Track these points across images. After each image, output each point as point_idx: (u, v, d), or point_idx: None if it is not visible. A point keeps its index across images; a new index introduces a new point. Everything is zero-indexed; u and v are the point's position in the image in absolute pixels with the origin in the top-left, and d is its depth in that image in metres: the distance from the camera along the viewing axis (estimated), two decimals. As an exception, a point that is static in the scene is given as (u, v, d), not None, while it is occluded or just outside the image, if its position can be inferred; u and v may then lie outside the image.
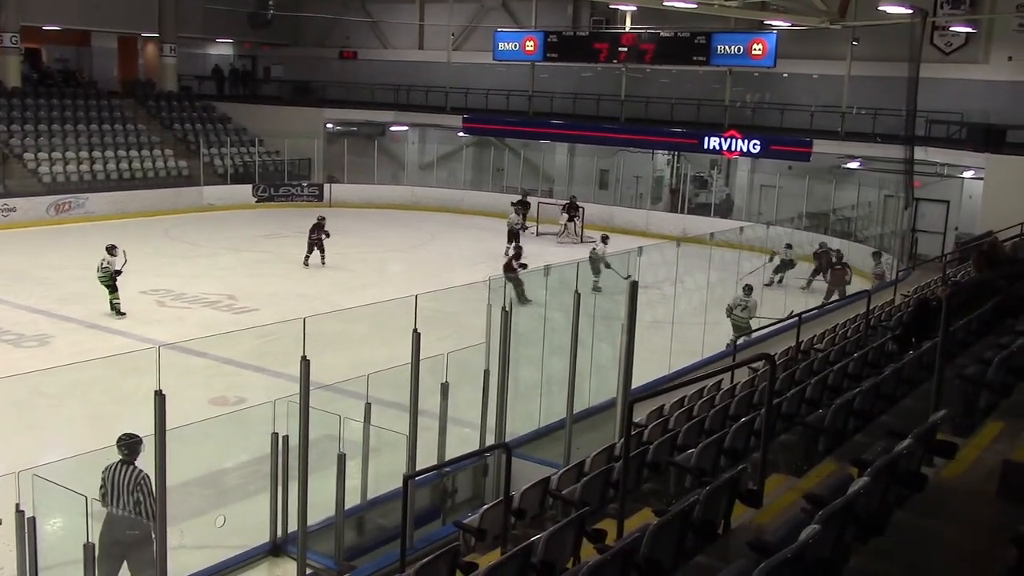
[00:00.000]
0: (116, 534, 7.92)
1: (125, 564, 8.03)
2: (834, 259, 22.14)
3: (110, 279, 18.73)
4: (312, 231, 24.20)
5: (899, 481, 5.28)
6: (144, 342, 16.15)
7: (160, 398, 7.06)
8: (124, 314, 18.71)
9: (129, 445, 7.98)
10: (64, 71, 39.04)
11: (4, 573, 7.90)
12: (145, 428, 7.91)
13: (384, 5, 40.68)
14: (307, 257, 24.06)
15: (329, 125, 37.55)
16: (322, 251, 24.06)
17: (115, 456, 8.05)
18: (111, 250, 18.97)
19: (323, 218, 24.62)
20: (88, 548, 7.32)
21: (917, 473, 5.49)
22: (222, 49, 45.19)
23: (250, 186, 34.25)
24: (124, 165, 32.71)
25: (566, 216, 29.31)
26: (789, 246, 23.38)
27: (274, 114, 37.56)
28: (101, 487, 8.01)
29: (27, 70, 36.11)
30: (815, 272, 22.99)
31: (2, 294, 19.92)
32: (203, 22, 39.70)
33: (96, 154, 32.36)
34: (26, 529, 7.26)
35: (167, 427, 7.42)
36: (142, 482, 7.88)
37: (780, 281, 22.82)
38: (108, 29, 38.78)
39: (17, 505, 7.24)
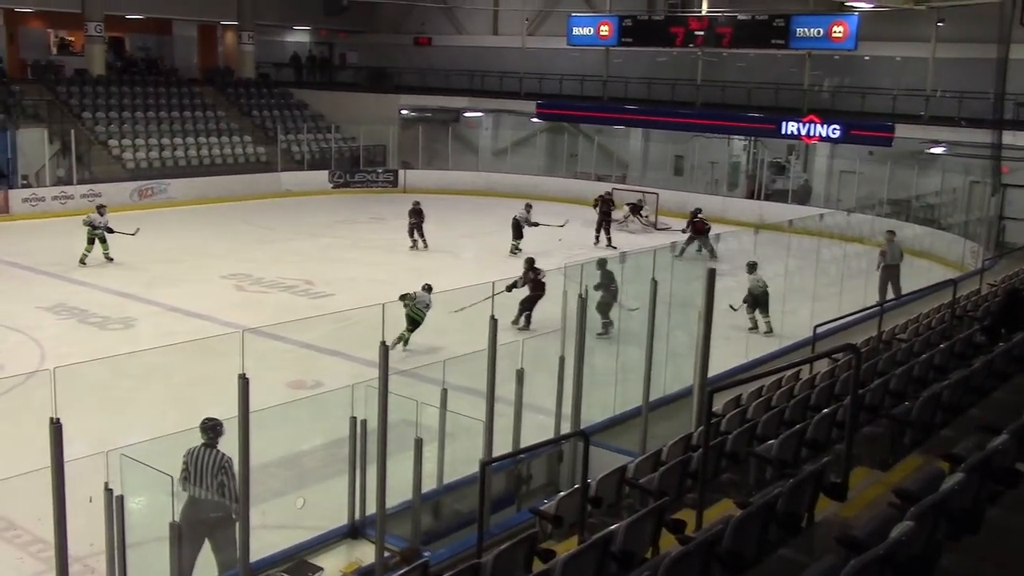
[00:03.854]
0: (199, 515, 8.09)
1: (207, 544, 8.20)
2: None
3: (91, 232, 21.39)
4: (410, 215, 24.66)
5: (993, 478, 5.13)
6: (224, 326, 16.45)
7: (244, 381, 7.16)
8: (84, 264, 21.34)
9: (212, 428, 8.16)
10: (146, 59, 39.96)
11: (93, 549, 8.11)
12: (225, 411, 8.06)
13: (459, -10, 40.81)
14: (414, 243, 24.54)
15: (404, 111, 37.77)
16: (421, 235, 24.54)
17: (197, 438, 8.22)
18: (99, 209, 21.96)
19: (418, 202, 25.08)
20: (173, 527, 7.49)
21: (1012, 469, 5.33)
22: (299, 36, 45.74)
23: (326, 172, 34.64)
24: (204, 151, 33.36)
25: (627, 208, 28.55)
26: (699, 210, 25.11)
27: (350, 100, 37.91)
28: (183, 470, 8.17)
29: (111, 58, 37.03)
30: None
31: (89, 278, 20.47)
32: (281, 10, 40.25)
33: (177, 140, 33.06)
34: (114, 507, 7.44)
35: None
36: (225, 465, 8.05)
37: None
38: (189, 18, 39.57)
39: (106, 484, 7.42)
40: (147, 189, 30.15)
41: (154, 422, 11.56)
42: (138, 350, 13.39)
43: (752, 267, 17.10)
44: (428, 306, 15.70)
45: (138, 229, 21.97)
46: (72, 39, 38.47)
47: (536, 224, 24.59)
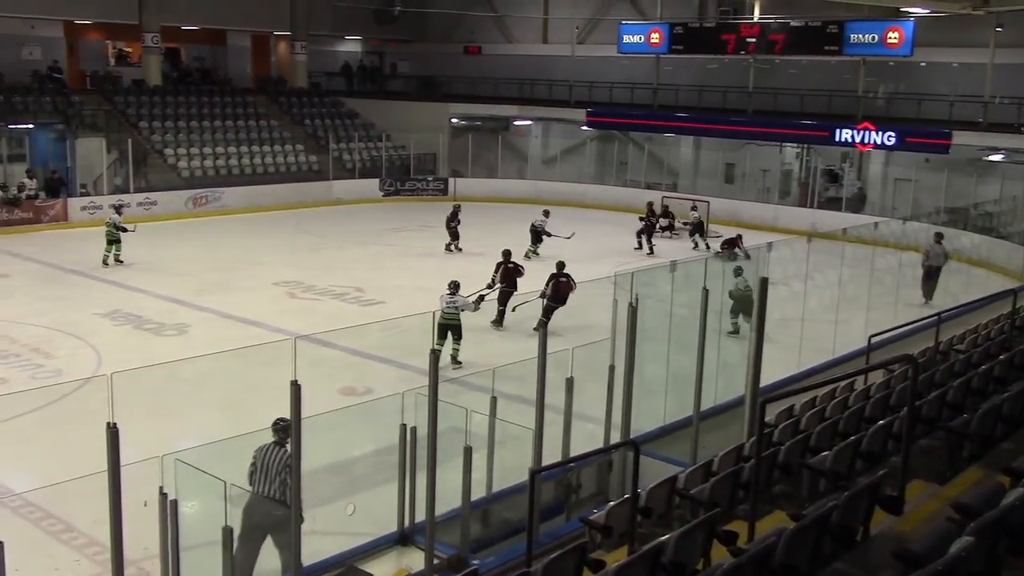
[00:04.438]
0: (259, 516, 8.22)
1: (269, 542, 8.32)
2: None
3: (112, 234, 22.39)
4: (450, 219, 25.52)
5: (1056, 492, 5.00)
6: (276, 332, 16.65)
7: (296, 388, 7.22)
8: (107, 265, 22.30)
9: (284, 428, 8.28)
10: (201, 69, 40.59)
11: (148, 553, 8.22)
12: (277, 416, 8.16)
13: (508, 0, 40.90)
14: (448, 244, 25.39)
15: (454, 120, 37.94)
16: (455, 238, 25.32)
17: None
18: (118, 208, 23.22)
19: (459, 206, 26.10)
20: (226, 531, 7.56)
21: (1075, 484, 5.19)
22: (350, 46, 46.16)
23: (377, 180, 34.91)
24: (257, 160, 33.79)
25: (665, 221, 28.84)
26: (694, 207, 28.19)
27: (400, 109, 38.18)
28: (251, 465, 8.37)
29: (167, 69, 37.66)
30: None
31: (144, 284, 20.81)
32: (332, 20, 40.66)
33: (231, 149, 33.53)
34: (168, 511, 7.54)
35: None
36: (291, 464, 8.17)
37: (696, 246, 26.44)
38: (243, 28, 40.14)
39: (161, 488, 7.52)
40: (201, 197, 30.61)
41: (207, 427, 11.70)
42: (192, 356, 13.57)
43: (738, 271, 17.03)
44: (453, 306, 15.49)
45: (135, 227, 23.28)
46: (130, 50, 39.19)
47: (548, 234, 24.97)
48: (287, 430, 8.25)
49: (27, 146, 29.18)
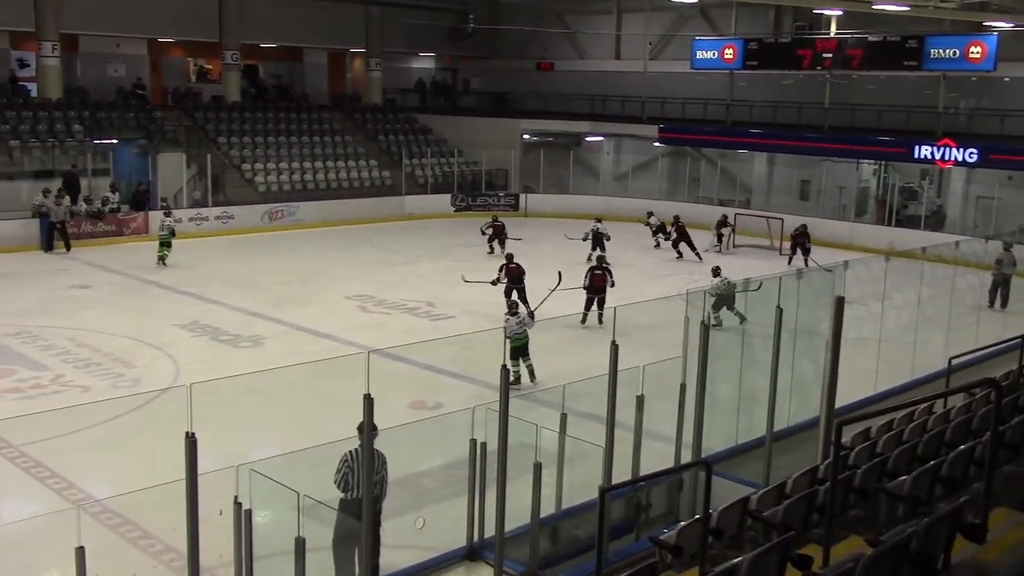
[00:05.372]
0: (355, 518, 8.32)
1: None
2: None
3: (165, 237, 24.14)
4: (496, 232, 27.38)
5: None
6: (349, 346, 16.84)
7: (369, 401, 7.30)
8: (166, 265, 23.98)
9: (373, 429, 8.36)
10: (278, 86, 41.41)
11: (222, 561, 8.36)
12: (349, 429, 8.23)
13: (581, 16, 40.97)
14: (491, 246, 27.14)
15: (526, 135, 38.07)
16: (491, 242, 27.20)
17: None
18: (167, 212, 25.66)
19: (496, 217, 28.32)
20: (299, 542, 7.63)
21: None
22: (424, 63, 46.68)
23: (449, 196, 35.19)
24: (332, 175, 34.29)
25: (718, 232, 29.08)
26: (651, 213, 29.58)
27: (473, 125, 38.44)
28: (344, 472, 8.37)
29: (246, 85, 38.50)
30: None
31: (221, 297, 21.23)
32: (406, 37, 41.15)
33: (307, 164, 34.08)
34: (243, 521, 7.65)
35: (372, 430, 7.66)
36: (385, 462, 8.47)
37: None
38: (319, 46, 40.88)
39: (235, 497, 7.64)
40: (277, 212, 31.17)
41: (281, 439, 11.88)
42: (268, 368, 13.79)
43: (716, 272, 18.93)
44: (520, 324, 15.34)
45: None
46: (210, 67, 40.19)
47: (609, 237, 26.54)
48: (375, 429, 8.38)
49: (111, 161, 30.04)
